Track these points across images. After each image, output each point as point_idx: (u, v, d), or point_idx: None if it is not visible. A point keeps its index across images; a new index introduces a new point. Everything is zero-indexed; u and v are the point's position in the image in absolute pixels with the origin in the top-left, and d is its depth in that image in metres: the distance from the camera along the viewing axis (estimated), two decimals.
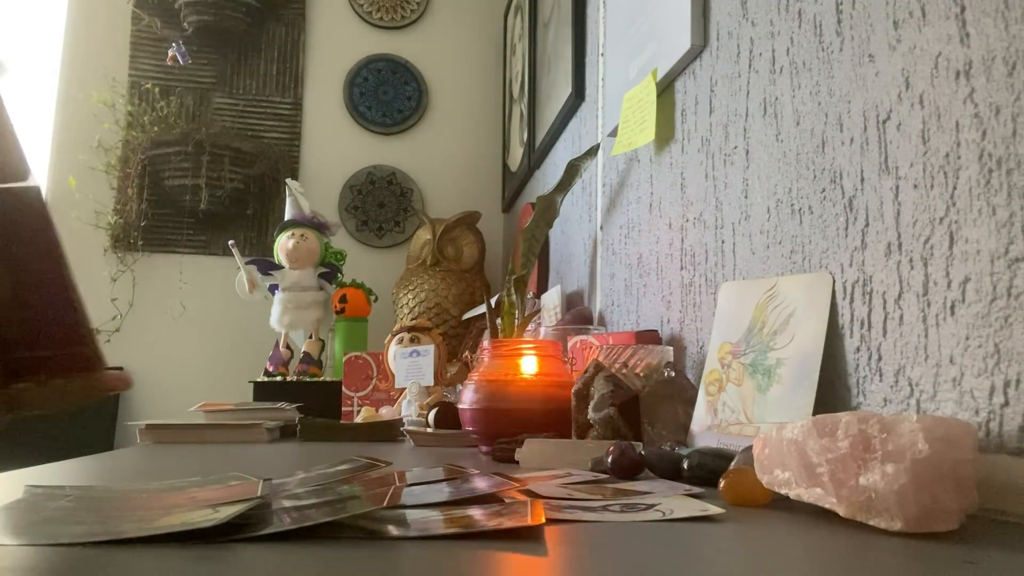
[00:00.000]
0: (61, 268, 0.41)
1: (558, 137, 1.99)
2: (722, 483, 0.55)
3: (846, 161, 0.72)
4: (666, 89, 1.19)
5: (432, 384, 1.56)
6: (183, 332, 2.61)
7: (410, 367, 1.59)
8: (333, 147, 2.82)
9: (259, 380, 2.08)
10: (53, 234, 0.41)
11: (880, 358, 0.66)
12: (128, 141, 2.59)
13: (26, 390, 0.40)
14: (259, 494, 0.50)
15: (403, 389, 1.59)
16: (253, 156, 2.62)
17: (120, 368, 2.53)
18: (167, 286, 2.61)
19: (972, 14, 0.57)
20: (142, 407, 2.50)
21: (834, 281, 0.73)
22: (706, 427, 0.84)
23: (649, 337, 1.12)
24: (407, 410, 1.51)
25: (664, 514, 0.49)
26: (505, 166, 2.80)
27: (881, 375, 0.66)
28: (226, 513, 0.42)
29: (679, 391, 0.89)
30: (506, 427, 0.97)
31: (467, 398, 1.04)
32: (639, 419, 0.88)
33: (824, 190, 0.76)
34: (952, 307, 0.58)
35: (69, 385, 0.41)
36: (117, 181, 2.60)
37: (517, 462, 0.84)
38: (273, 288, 2.14)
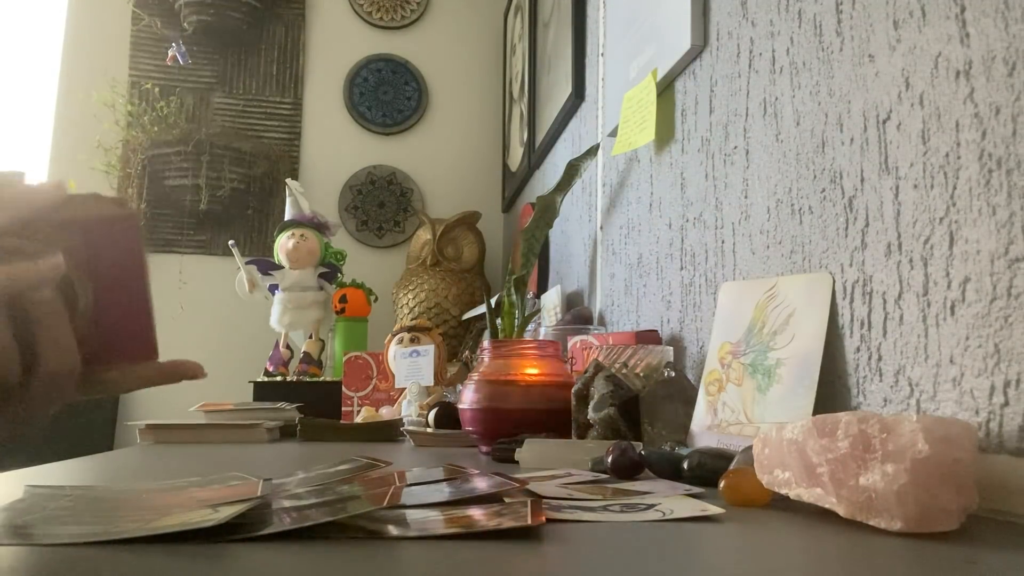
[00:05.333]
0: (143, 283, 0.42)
1: (558, 137, 1.99)
2: (722, 483, 0.55)
3: (846, 161, 0.72)
4: (666, 89, 1.19)
5: (432, 384, 1.56)
6: (183, 332, 2.61)
7: (410, 367, 1.59)
8: (333, 147, 2.82)
9: (259, 380, 2.08)
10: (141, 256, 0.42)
11: (880, 358, 0.66)
12: (128, 141, 2.59)
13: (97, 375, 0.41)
14: (259, 494, 0.50)
15: (403, 389, 1.59)
16: (253, 156, 2.62)
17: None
18: (167, 286, 2.61)
19: (972, 14, 0.57)
20: (142, 407, 2.50)
21: (834, 281, 0.73)
22: (706, 427, 0.84)
23: (649, 337, 1.12)
24: (407, 410, 1.51)
25: (664, 514, 0.49)
26: (505, 166, 2.80)
27: (881, 375, 0.66)
28: (226, 513, 0.42)
29: (679, 391, 0.89)
30: (506, 427, 0.97)
31: (467, 398, 1.04)
32: (639, 419, 0.88)
33: (824, 190, 0.76)
34: (952, 307, 0.58)
35: (130, 372, 0.43)
36: (117, 181, 2.60)
37: (517, 462, 0.84)
38: (273, 288, 2.14)
